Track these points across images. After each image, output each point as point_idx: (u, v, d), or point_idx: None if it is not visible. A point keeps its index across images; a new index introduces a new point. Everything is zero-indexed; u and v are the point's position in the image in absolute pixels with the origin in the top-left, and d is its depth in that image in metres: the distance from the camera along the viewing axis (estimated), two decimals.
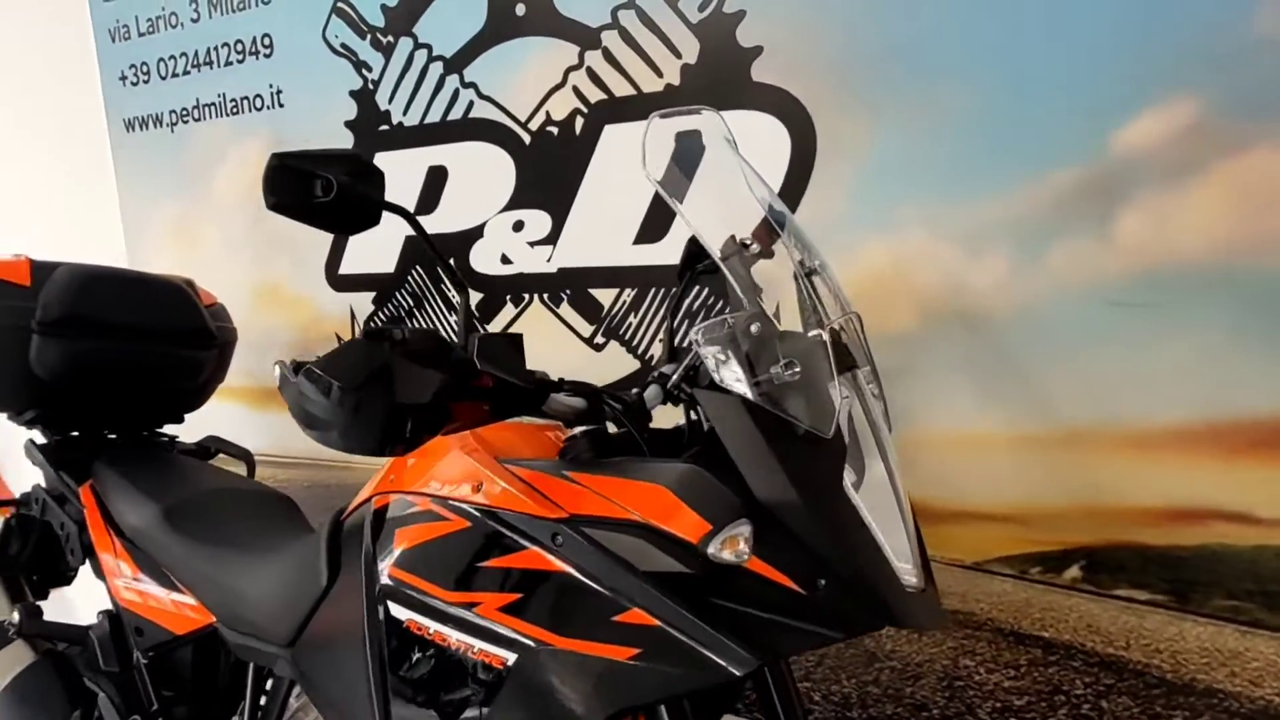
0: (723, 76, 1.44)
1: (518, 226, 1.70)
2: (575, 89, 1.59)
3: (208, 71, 2.07)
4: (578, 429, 0.95)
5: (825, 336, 0.85)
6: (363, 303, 1.94)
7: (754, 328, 0.85)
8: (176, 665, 1.33)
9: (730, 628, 0.77)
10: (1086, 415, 1.25)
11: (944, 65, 1.28)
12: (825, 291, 0.98)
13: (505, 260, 1.73)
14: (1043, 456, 1.30)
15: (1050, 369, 1.27)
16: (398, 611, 0.92)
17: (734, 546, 0.75)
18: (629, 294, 1.60)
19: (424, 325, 1.89)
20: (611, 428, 0.92)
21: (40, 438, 1.54)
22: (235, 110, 2.04)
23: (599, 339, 1.66)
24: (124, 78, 2.24)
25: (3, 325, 1.45)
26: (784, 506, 0.78)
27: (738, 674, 0.75)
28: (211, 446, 1.72)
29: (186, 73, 2.11)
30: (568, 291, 1.68)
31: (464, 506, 0.91)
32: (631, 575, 0.80)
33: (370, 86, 1.83)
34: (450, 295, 1.82)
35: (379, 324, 0.77)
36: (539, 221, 1.68)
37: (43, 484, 1.53)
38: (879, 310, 1.35)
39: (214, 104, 2.08)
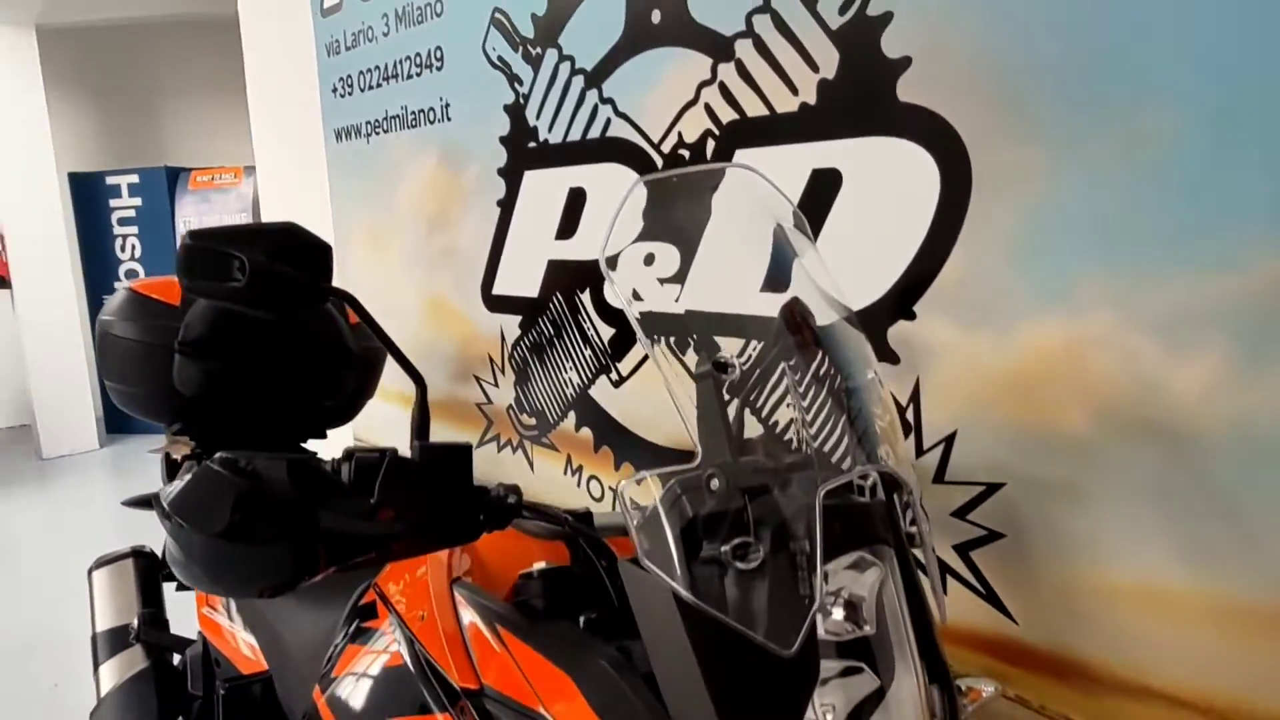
0: (863, 95, 1.16)
1: (649, 260, 1.52)
2: (707, 107, 1.37)
3: (394, 84, 2.09)
4: (537, 565, 0.79)
5: (817, 500, 0.60)
6: (512, 325, 1.87)
7: (713, 483, 0.63)
8: (250, 703, 1.33)
9: None
10: None
11: (1153, 83, 0.92)
12: (877, 426, 0.71)
13: (636, 296, 1.55)
14: (1263, 636, 0.91)
15: (1277, 515, 0.89)
16: None
17: None
18: (754, 347, 1.36)
19: (552, 358, 1.77)
20: None
21: (181, 449, 1.61)
22: (414, 123, 2.04)
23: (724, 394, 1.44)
24: (335, 89, 2.33)
25: (152, 343, 1.52)
26: None
27: None
28: None
29: (379, 85, 2.15)
30: (694, 337, 1.48)
31: (401, 642, 0.78)
32: None
33: (521, 101, 1.73)
34: (587, 329, 1.68)
35: (232, 454, 0.64)
36: (669, 256, 1.48)
37: None
38: (1042, 404, 1.03)
39: (398, 116, 2.09)
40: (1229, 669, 0.95)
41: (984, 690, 0.76)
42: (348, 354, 1.66)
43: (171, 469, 1.56)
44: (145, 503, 1.73)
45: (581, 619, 0.77)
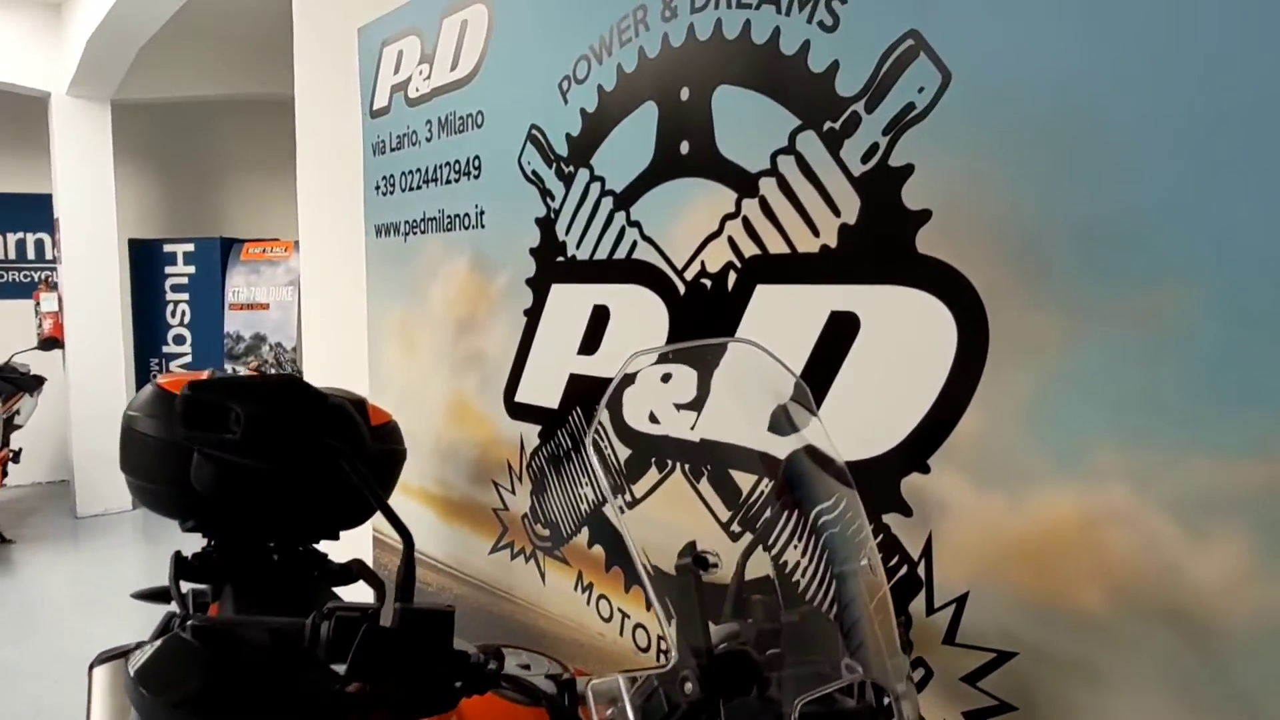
0: (883, 242, 1.16)
1: (666, 379, 1.51)
2: (730, 240, 1.38)
3: (433, 188, 2.14)
4: None
5: (794, 714, 0.58)
6: (532, 434, 1.86)
7: (687, 686, 0.60)
8: None
9: None
10: None
11: (1173, 257, 0.90)
12: (866, 620, 0.69)
13: (653, 419, 1.55)
14: None
15: None
16: None
17: None
18: (766, 485, 1.34)
19: (563, 480, 1.76)
20: None
21: (194, 548, 1.61)
22: (450, 226, 2.08)
23: (735, 527, 1.42)
24: (378, 188, 2.40)
25: (173, 441, 1.54)
26: None
27: None
28: (354, 569, 1.72)
29: (419, 187, 2.20)
30: (709, 466, 1.46)
31: None
32: None
33: (552, 215, 1.75)
34: (605, 449, 1.67)
35: (201, 620, 0.63)
36: (687, 380, 1.48)
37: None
38: (1057, 574, 0.99)
39: (435, 219, 2.13)
40: None
41: None
42: (366, 456, 1.66)
43: (180, 567, 1.55)
44: (155, 596, 1.73)
45: None
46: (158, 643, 0.64)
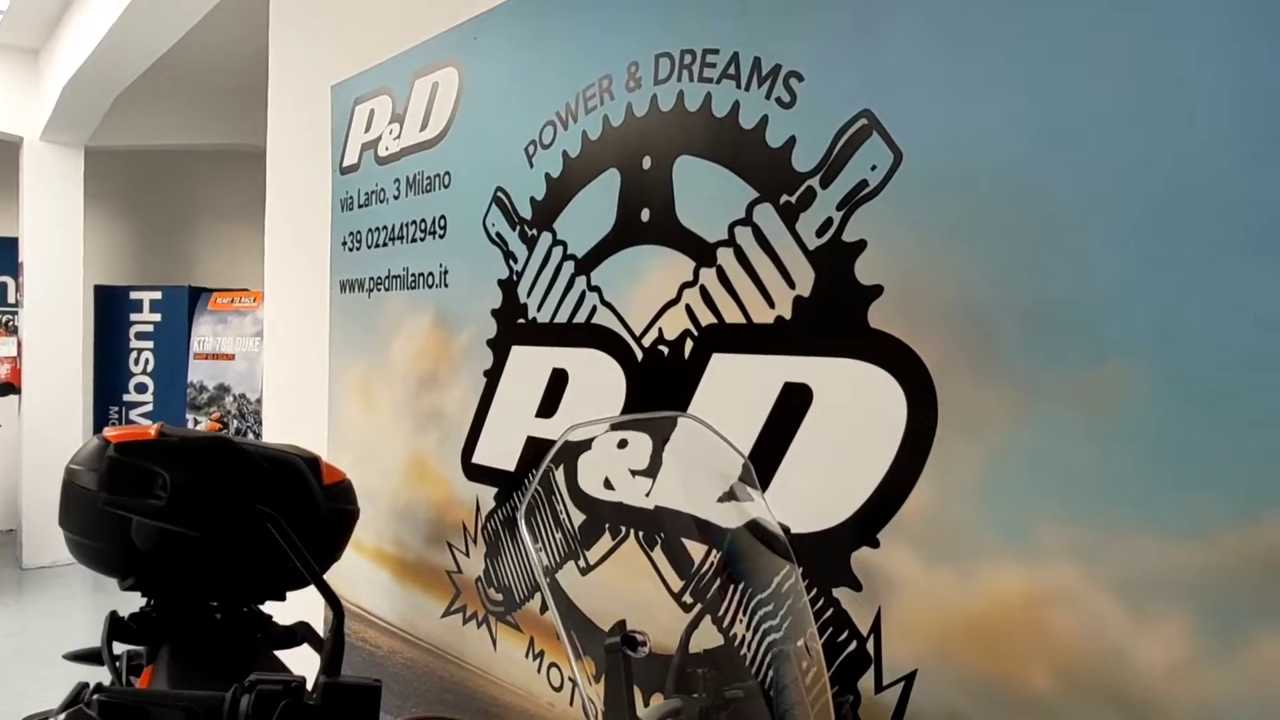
0: (836, 316, 1.17)
1: (622, 444, 1.50)
2: (688, 307, 1.39)
3: (399, 245, 2.14)
4: None
5: None
6: (488, 496, 1.84)
7: None
8: None
9: None
10: None
11: (1119, 342, 0.92)
12: (798, 697, 0.67)
13: (608, 484, 1.53)
14: None
15: None
16: None
17: None
18: (715, 556, 1.33)
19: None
20: None
21: (129, 610, 1.56)
22: (413, 284, 2.07)
23: (687, 598, 1.40)
24: (345, 243, 2.40)
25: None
26: None
27: None
28: (299, 632, 1.68)
29: (384, 244, 2.20)
30: (662, 534, 1.45)
31: None
32: None
33: (514, 278, 1.76)
34: (559, 512, 1.65)
35: (109, 694, 0.60)
36: (642, 447, 1.47)
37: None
38: (1003, 654, 0.98)
39: (399, 276, 2.13)
40: None
41: None
42: (316, 517, 1.63)
43: (115, 627, 1.50)
44: (87, 657, 1.66)
45: None
46: (62, 716, 0.61)
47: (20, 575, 5.75)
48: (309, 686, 0.72)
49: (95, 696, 0.61)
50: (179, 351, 6.28)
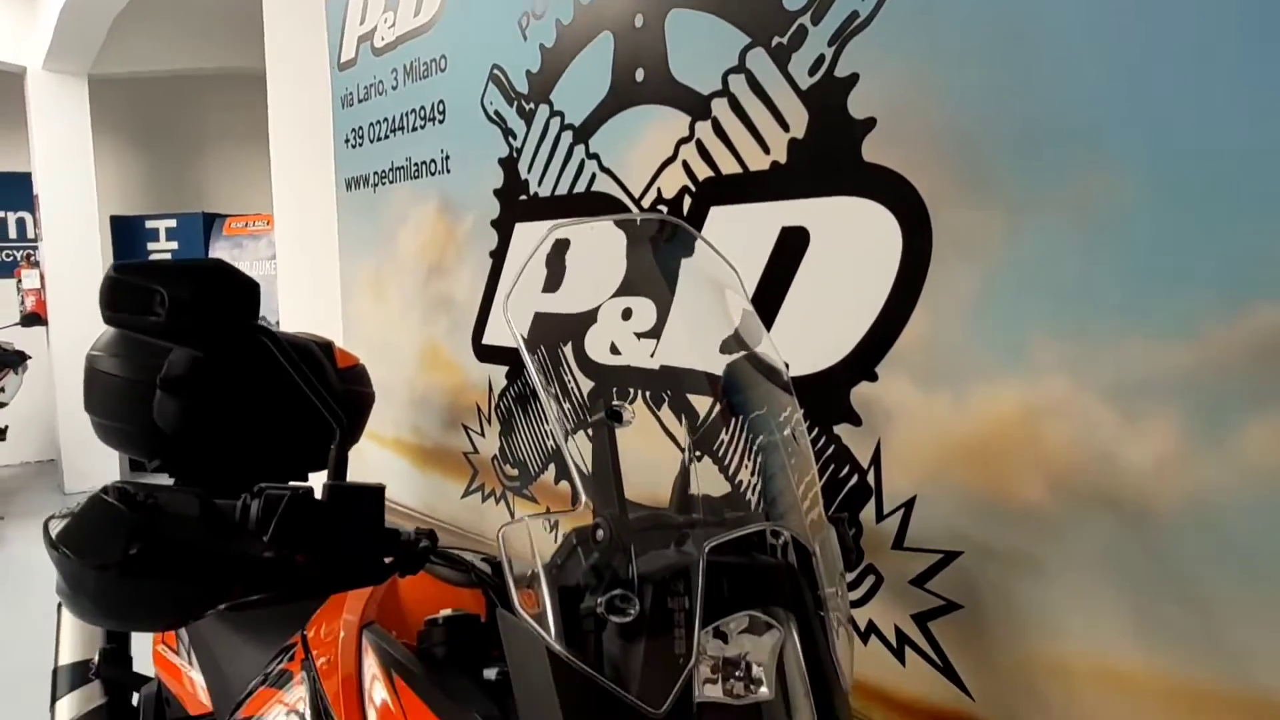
0: (831, 154, 1.16)
1: (626, 314, 1.52)
2: (685, 164, 1.38)
3: (400, 136, 2.13)
4: (443, 612, 0.77)
5: (701, 555, 0.59)
6: (499, 375, 1.87)
7: (599, 534, 0.61)
8: None
9: None
10: None
11: (1109, 151, 0.91)
12: (785, 482, 0.70)
13: (614, 350, 1.55)
14: None
15: (1236, 597, 0.84)
16: None
17: None
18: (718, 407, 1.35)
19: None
20: None
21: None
22: (416, 174, 2.07)
23: (696, 452, 1.42)
24: (348, 140, 2.39)
25: (135, 379, 1.54)
26: None
27: None
28: None
29: (386, 137, 2.19)
30: (668, 392, 1.47)
31: (306, 687, 0.76)
32: None
33: (514, 155, 1.75)
34: (568, 382, 1.68)
35: (126, 484, 0.64)
36: (646, 311, 1.48)
37: None
38: (999, 470, 1.01)
39: (403, 167, 2.13)
40: None
41: None
42: (332, 395, 1.66)
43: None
44: None
45: (488, 672, 0.75)
46: (78, 505, 0.65)
47: (63, 500, 5.93)
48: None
49: (111, 485, 0.65)
50: None
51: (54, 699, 1.43)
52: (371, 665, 0.76)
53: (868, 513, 1.16)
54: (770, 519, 0.69)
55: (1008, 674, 1.03)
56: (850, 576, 1.15)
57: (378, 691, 0.73)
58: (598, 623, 0.58)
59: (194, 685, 1.25)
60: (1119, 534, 0.92)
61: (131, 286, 0.72)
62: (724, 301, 1.15)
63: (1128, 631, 0.92)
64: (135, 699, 1.46)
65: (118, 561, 0.62)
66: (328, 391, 1.66)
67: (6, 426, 5.69)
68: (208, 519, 0.67)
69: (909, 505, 1.12)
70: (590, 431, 0.74)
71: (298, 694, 0.82)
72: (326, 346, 1.71)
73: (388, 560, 0.74)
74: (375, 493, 0.74)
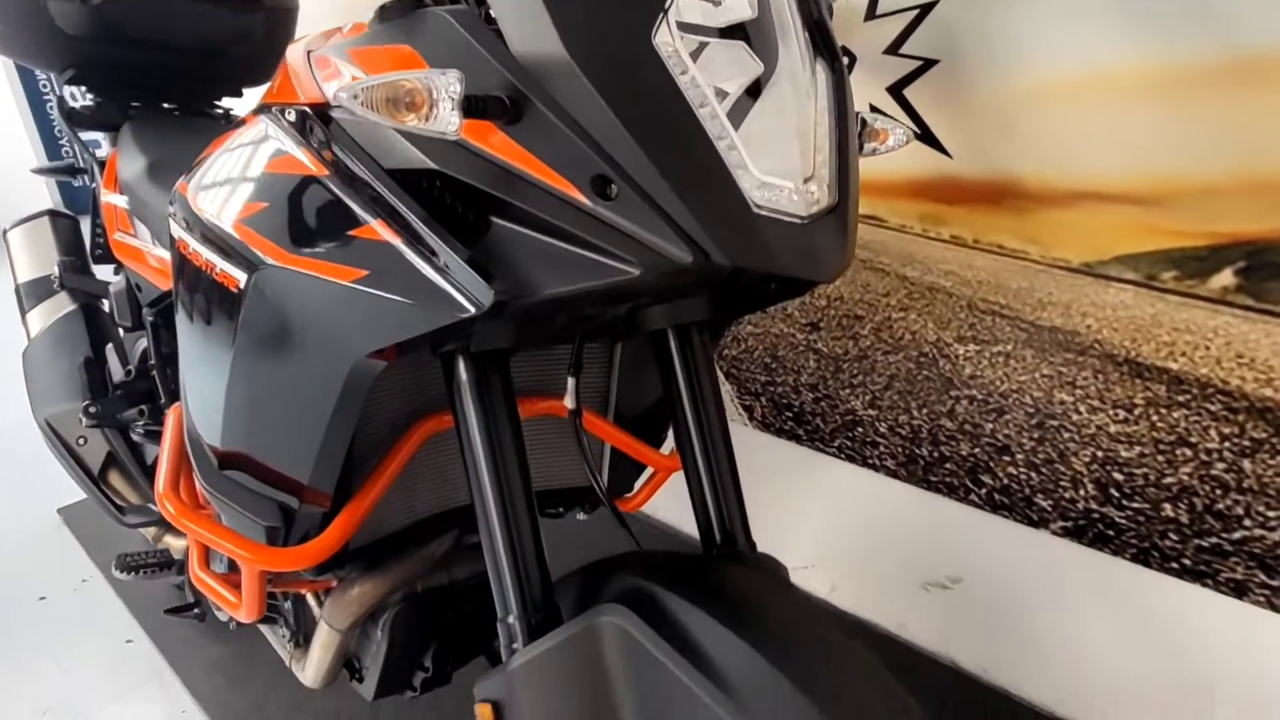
0: None
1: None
2: None
3: None
4: None
5: None
6: None
7: None
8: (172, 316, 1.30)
9: (479, 249, 0.54)
10: (1272, 31, 0.80)
11: None
12: None
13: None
14: (1194, 99, 0.87)
15: None
16: (174, 229, 0.77)
17: (421, 108, 0.49)
18: None
19: None
20: None
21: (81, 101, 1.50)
22: None
23: None
24: None
25: None
26: (549, 65, 0.51)
27: (470, 311, 0.52)
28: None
29: None
30: None
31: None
32: (374, 177, 0.58)
33: None
34: None
35: None
36: None
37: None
38: None
39: None
40: (1149, 148, 0.91)
41: (893, 133, 0.71)
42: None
43: (70, 113, 1.45)
44: (56, 171, 1.63)
45: None
46: None
47: None
48: None
49: None
50: None
51: (23, 311, 1.40)
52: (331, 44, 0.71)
53: None
54: None
55: (986, 122, 1.02)
56: None
57: (334, 60, 0.68)
58: None
59: (160, 261, 1.22)
60: None
61: None
62: None
63: (1107, 29, 0.90)
64: (106, 305, 1.44)
65: None
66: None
67: None
68: None
69: None
70: None
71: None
72: None
73: None
74: None
